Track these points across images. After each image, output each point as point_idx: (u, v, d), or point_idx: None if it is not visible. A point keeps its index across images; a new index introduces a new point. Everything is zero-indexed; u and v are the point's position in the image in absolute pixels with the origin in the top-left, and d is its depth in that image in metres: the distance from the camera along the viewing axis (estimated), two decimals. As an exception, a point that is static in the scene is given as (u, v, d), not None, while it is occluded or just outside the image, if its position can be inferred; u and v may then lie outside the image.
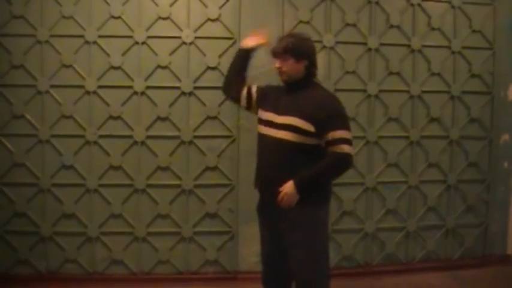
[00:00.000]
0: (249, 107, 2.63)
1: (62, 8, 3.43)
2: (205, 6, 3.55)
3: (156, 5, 3.51)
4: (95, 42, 3.46)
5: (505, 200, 4.03)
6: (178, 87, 3.55)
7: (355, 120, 3.69)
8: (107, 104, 3.50)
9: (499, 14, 3.90)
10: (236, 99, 2.66)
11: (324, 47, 3.65)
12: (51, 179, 3.49)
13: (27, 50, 3.43)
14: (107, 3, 3.46)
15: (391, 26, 3.76)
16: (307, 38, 2.52)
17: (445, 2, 3.84)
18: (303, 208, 2.36)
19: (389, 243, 3.84)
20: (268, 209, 2.47)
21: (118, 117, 3.52)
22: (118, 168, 3.54)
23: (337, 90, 3.57)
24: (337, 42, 3.68)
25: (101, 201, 3.53)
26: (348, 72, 3.72)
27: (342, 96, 2.56)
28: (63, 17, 3.44)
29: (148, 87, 3.52)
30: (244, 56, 2.63)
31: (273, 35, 2.71)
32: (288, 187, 2.34)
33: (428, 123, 3.87)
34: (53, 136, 3.48)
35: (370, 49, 3.73)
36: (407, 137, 3.84)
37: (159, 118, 3.55)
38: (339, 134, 2.34)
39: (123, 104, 3.52)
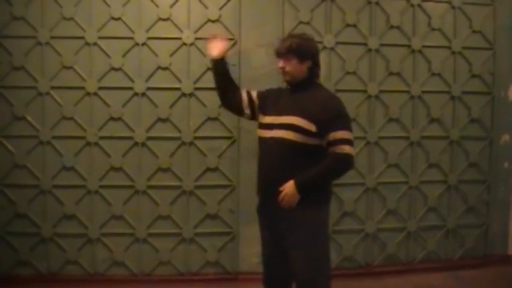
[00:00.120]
0: (253, 116, 2.59)
1: (63, 10, 3.44)
2: (206, 7, 3.55)
3: (157, 6, 3.51)
4: (95, 44, 3.47)
5: (505, 200, 4.03)
6: (178, 88, 3.55)
7: (355, 120, 3.69)
8: (108, 105, 3.50)
9: (499, 15, 3.90)
10: (238, 108, 2.60)
11: (324, 47, 3.65)
12: (52, 180, 3.49)
13: (28, 52, 3.44)
14: (107, 5, 3.47)
15: (392, 27, 3.77)
16: (311, 38, 2.51)
17: (445, 2, 3.84)
18: (303, 208, 2.36)
19: (390, 243, 3.84)
20: (269, 209, 2.47)
21: (118, 119, 3.52)
22: (119, 169, 3.54)
23: (337, 90, 3.57)
24: (338, 43, 3.69)
25: (102, 202, 3.54)
26: (348, 73, 3.72)
27: (342, 97, 2.56)
28: (64, 18, 3.44)
29: (148, 89, 3.53)
30: (219, 66, 2.57)
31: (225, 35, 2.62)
32: (289, 187, 2.34)
33: (429, 124, 3.88)
34: (54, 137, 3.48)
35: (370, 50, 3.73)
36: (407, 138, 3.84)
37: (159, 119, 3.55)
38: (340, 134, 2.34)
39: (124, 105, 3.52)
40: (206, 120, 3.59)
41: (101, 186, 3.53)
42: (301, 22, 3.63)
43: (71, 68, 3.47)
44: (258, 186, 2.54)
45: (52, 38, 3.44)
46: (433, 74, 3.85)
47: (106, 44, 3.47)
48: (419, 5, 3.79)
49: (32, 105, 3.46)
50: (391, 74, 3.79)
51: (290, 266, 2.45)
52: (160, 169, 3.57)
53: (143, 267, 3.59)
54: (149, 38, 3.50)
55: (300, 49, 2.40)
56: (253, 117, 2.59)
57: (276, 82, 2.66)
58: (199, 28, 3.54)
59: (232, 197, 3.62)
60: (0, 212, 3.47)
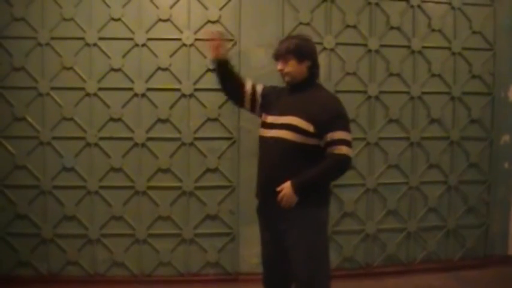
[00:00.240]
0: (253, 110, 2.60)
1: (63, 10, 3.44)
2: (206, 8, 3.55)
3: (156, 7, 3.51)
4: (95, 45, 3.47)
5: (505, 200, 4.03)
6: (178, 89, 3.55)
7: (355, 121, 3.70)
8: (108, 106, 3.50)
9: (499, 15, 3.91)
10: (239, 101, 2.60)
11: (325, 48, 3.66)
12: (52, 181, 3.49)
13: (28, 52, 3.44)
14: (107, 6, 3.47)
15: (392, 28, 3.77)
16: (308, 38, 2.52)
17: (445, 3, 3.84)
18: (303, 209, 2.36)
19: (390, 244, 3.83)
20: (269, 209, 2.47)
21: (118, 119, 3.52)
22: (119, 170, 3.54)
23: (337, 91, 3.57)
24: (338, 44, 3.68)
25: (102, 203, 3.54)
26: (348, 74, 3.72)
27: (342, 98, 2.56)
28: (64, 19, 3.45)
29: (148, 89, 3.53)
30: (221, 67, 2.53)
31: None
32: (286, 188, 2.34)
33: (429, 124, 3.88)
34: (54, 138, 3.48)
35: (370, 50, 3.73)
36: (407, 138, 3.84)
37: (159, 120, 3.55)
38: (338, 135, 2.34)
39: (124, 106, 3.52)
40: (206, 121, 3.59)
41: (101, 187, 3.53)
42: (301, 23, 3.63)
43: (71, 68, 3.47)
44: (257, 186, 2.54)
45: (52, 38, 3.44)
46: (433, 75, 3.85)
47: (106, 45, 3.48)
48: (419, 6, 3.79)
49: (32, 106, 3.46)
50: (391, 74, 3.79)
51: (290, 266, 2.45)
52: (160, 170, 3.57)
53: (143, 268, 3.59)
54: (149, 39, 3.50)
55: (298, 49, 2.41)
56: (253, 111, 2.60)
57: (276, 83, 2.65)
58: (199, 29, 3.55)
59: (232, 197, 3.62)
60: (0, 213, 3.47)
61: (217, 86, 2.62)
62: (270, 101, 2.52)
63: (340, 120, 2.38)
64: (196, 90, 3.56)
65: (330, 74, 3.67)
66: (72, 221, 3.53)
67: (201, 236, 3.62)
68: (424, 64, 3.83)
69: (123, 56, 3.50)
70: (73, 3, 3.45)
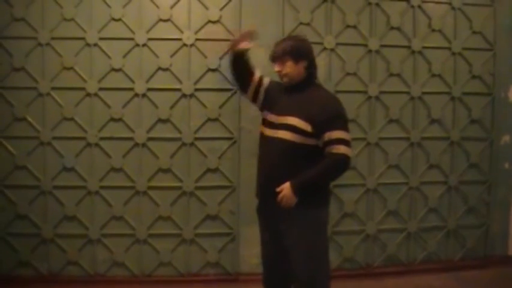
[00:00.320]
0: (254, 100, 2.61)
1: (63, 11, 3.44)
2: (206, 8, 3.55)
3: (157, 6, 3.51)
4: (95, 45, 3.47)
5: (506, 200, 4.03)
6: (179, 89, 3.55)
7: (355, 121, 3.70)
8: (108, 106, 3.50)
9: (499, 15, 3.91)
10: (244, 88, 2.61)
11: (325, 48, 3.66)
12: (53, 181, 3.49)
13: (29, 53, 3.44)
14: (108, 6, 3.47)
15: (392, 28, 3.77)
16: (304, 39, 2.53)
17: (446, 3, 3.84)
18: (303, 209, 2.36)
19: (390, 244, 3.83)
20: (269, 209, 2.48)
21: (119, 119, 3.52)
22: (119, 170, 3.54)
23: (337, 91, 3.57)
24: (338, 44, 3.68)
25: (102, 203, 3.54)
26: (348, 74, 3.72)
27: (342, 98, 2.57)
28: (64, 19, 3.45)
29: (149, 89, 3.53)
30: (240, 57, 2.55)
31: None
32: (285, 189, 2.34)
33: (429, 125, 3.88)
34: (54, 138, 3.48)
35: (370, 51, 3.74)
36: (408, 138, 3.84)
37: (160, 120, 3.56)
38: (336, 134, 2.34)
39: (124, 106, 3.52)
40: (206, 121, 3.59)
41: (102, 187, 3.53)
42: (301, 23, 3.63)
43: (71, 68, 3.47)
44: (257, 186, 2.54)
45: (52, 38, 3.44)
46: (434, 75, 3.85)
47: (106, 45, 3.48)
48: (419, 6, 3.79)
49: (32, 106, 3.46)
50: (391, 75, 3.79)
51: (290, 266, 2.45)
52: (160, 170, 3.57)
53: (143, 268, 3.59)
54: (150, 39, 3.50)
55: (295, 50, 2.42)
56: (254, 101, 2.61)
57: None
58: (200, 29, 3.55)
59: (232, 197, 3.62)
60: (0, 213, 3.47)
61: (227, 70, 2.59)
62: (272, 98, 2.53)
63: (338, 119, 2.38)
64: (196, 90, 3.57)
65: (330, 74, 3.67)
66: (73, 221, 3.53)
67: (201, 236, 3.62)
68: (424, 64, 3.83)
69: (124, 56, 3.50)
70: (73, 3, 3.45)
